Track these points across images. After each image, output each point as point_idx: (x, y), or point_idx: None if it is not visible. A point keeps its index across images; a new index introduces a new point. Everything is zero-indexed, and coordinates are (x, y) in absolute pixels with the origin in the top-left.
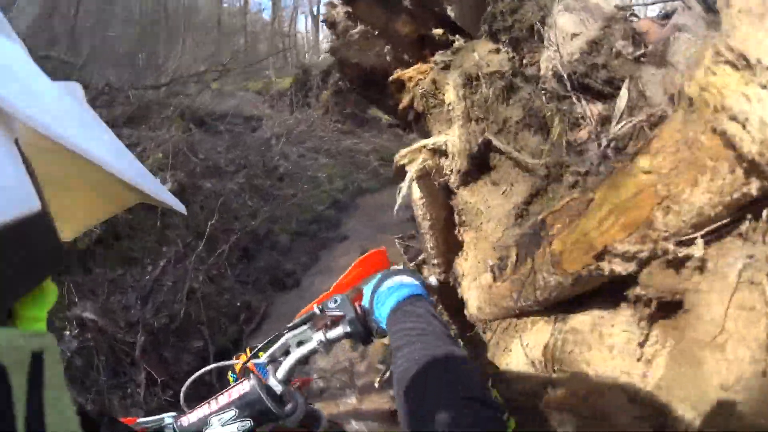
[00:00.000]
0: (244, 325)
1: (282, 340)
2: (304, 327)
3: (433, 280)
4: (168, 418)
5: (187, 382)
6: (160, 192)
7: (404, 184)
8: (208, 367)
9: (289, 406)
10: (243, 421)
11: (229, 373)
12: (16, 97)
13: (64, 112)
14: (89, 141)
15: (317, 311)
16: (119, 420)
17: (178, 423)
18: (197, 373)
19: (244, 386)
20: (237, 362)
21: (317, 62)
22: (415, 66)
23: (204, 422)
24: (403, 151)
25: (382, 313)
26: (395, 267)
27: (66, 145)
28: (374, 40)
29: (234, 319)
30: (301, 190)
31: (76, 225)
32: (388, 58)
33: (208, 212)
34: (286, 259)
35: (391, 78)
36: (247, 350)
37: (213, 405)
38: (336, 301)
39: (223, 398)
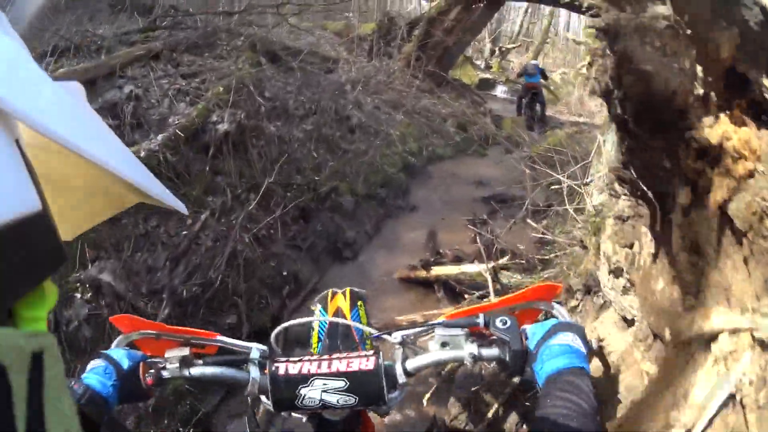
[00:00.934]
0: (288, 299)
1: (430, 330)
2: (460, 331)
3: (594, 343)
4: (255, 350)
5: (277, 329)
6: (161, 192)
7: None
8: (300, 320)
9: (395, 394)
10: (349, 396)
11: (318, 306)
12: (16, 97)
13: (64, 111)
14: (89, 141)
15: (482, 323)
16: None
17: (274, 366)
18: (288, 323)
19: (369, 363)
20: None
21: (404, 12)
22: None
23: (306, 380)
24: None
25: (545, 368)
26: (566, 320)
27: (66, 145)
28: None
29: (277, 292)
30: (372, 147)
31: (77, 225)
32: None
33: (266, 162)
34: (349, 225)
35: (690, 133)
36: (346, 291)
37: (323, 366)
38: (506, 323)
39: (339, 364)
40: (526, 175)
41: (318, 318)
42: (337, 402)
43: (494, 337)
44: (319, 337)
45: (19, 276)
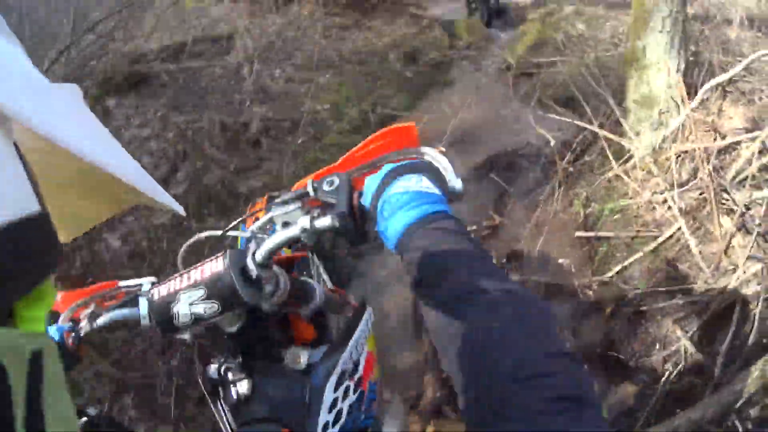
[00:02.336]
0: None
1: (268, 215)
2: (295, 205)
3: (459, 184)
4: (146, 284)
5: (184, 246)
6: (159, 193)
7: None
8: (208, 233)
9: (268, 288)
10: (211, 303)
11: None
12: (15, 99)
13: (62, 113)
14: (87, 142)
15: (311, 190)
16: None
17: (150, 294)
18: (197, 236)
19: (218, 264)
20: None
21: None
22: None
23: (173, 298)
24: None
25: (389, 228)
26: (415, 149)
27: (64, 146)
28: None
29: None
30: (288, 157)
31: (75, 226)
32: None
33: None
34: None
35: None
36: (263, 199)
37: (184, 280)
38: (333, 183)
39: (195, 273)
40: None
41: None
42: (204, 312)
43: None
44: None
45: (18, 276)
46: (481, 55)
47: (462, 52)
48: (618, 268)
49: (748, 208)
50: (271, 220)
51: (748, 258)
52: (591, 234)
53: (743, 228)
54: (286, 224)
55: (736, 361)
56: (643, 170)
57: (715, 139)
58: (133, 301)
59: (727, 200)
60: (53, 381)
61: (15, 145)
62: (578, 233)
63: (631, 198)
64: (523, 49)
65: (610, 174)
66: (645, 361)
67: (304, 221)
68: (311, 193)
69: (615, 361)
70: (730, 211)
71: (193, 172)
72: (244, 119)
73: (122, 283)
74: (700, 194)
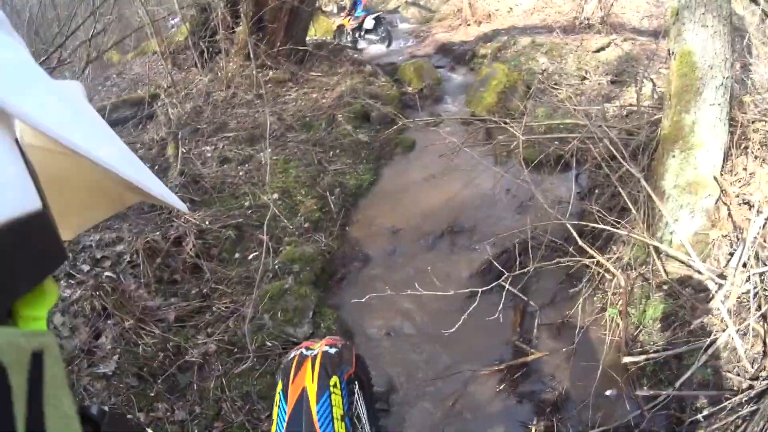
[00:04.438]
0: None
1: None
2: None
3: None
4: None
5: None
6: (162, 190)
7: None
8: None
9: None
10: None
11: (279, 383)
12: (17, 97)
13: (64, 111)
14: (89, 140)
15: None
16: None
17: None
18: None
19: None
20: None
21: None
22: None
23: None
24: None
25: None
26: None
27: (66, 144)
28: None
29: None
30: (241, 289)
31: (77, 224)
32: None
33: None
34: None
35: None
36: (316, 359)
37: None
38: None
39: None
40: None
41: None
42: None
43: None
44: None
45: (19, 275)
46: (437, 104)
47: (416, 102)
48: (670, 394)
49: None
50: None
51: None
52: (641, 358)
53: None
54: None
55: None
56: (683, 264)
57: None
58: None
59: None
60: (54, 380)
61: (17, 142)
62: (626, 359)
63: (674, 300)
64: (492, 98)
65: (645, 269)
66: None
67: None
68: None
69: None
70: None
71: (121, 337)
72: (174, 237)
73: None
74: (746, 290)
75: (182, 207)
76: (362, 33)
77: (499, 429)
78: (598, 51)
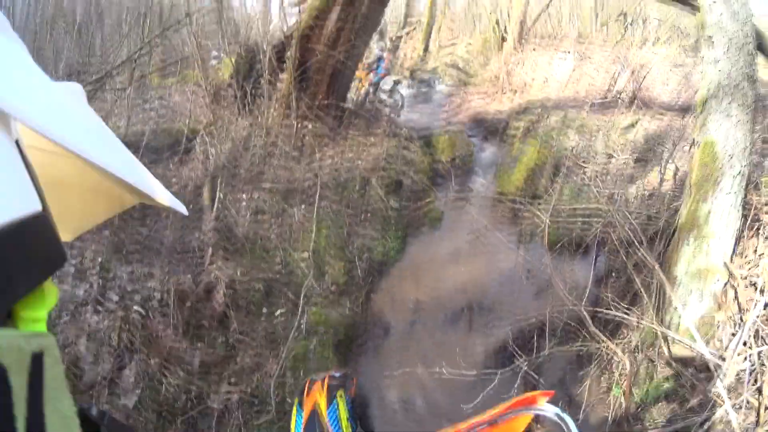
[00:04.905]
0: None
1: None
2: None
3: None
4: None
5: None
6: (161, 192)
7: None
8: None
9: None
10: None
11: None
12: (17, 98)
13: (64, 112)
14: (89, 141)
15: None
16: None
17: None
18: None
19: None
20: None
21: (270, 34)
22: None
23: None
24: None
25: None
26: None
27: (66, 145)
28: None
29: None
30: (265, 345)
31: (76, 225)
32: None
33: None
34: None
35: None
36: (324, 381)
37: None
38: None
39: None
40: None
41: None
42: None
43: None
44: None
45: (19, 276)
46: (468, 177)
47: (447, 173)
48: None
49: None
50: None
51: None
52: None
53: None
54: None
55: None
56: (687, 347)
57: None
58: None
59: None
60: (54, 381)
61: (17, 143)
62: None
63: (676, 380)
64: (521, 176)
65: (651, 352)
66: None
67: None
68: None
69: None
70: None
71: (145, 373)
72: (205, 283)
73: None
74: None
75: (182, 209)
76: (378, 91)
77: None
78: (627, 128)
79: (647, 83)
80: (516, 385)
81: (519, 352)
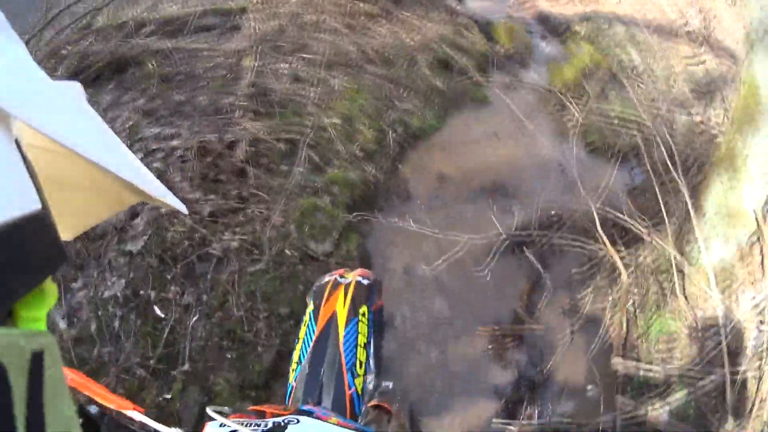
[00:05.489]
0: None
1: None
2: None
3: None
4: None
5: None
6: (161, 191)
7: None
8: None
9: None
10: None
11: (310, 305)
12: (16, 97)
13: (63, 111)
14: (89, 140)
15: None
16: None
17: None
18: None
19: None
20: None
21: None
22: None
23: None
24: None
25: None
26: None
27: (66, 144)
28: None
29: None
30: (278, 201)
31: (76, 224)
32: None
33: None
34: None
35: None
36: (350, 286)
37: None
38: None
39: None
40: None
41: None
42: None
43: None
44: (301, 354)
45: (19, 276)
46: (521, 68)
47: (502, 63)
48: (654, 410)
49: None
50: None
51: None
52: (630, 365)
53: None
54: None
55: None
56: (701, 289)
57: None
58: None
59: None
60: (54, 381)
61: (16, 142)
62: (615, 360)
63: (682, 320)
64: (571, 76)
65: (663, 280)
66: None
67: None
68: None
69: None
70: None
71: (155, 220)
72: (229, 140)
73: (142, 418)
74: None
75: (182, 208)
76: None
77: (474, 388)
78: (690, 58)
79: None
80: (518, 273)
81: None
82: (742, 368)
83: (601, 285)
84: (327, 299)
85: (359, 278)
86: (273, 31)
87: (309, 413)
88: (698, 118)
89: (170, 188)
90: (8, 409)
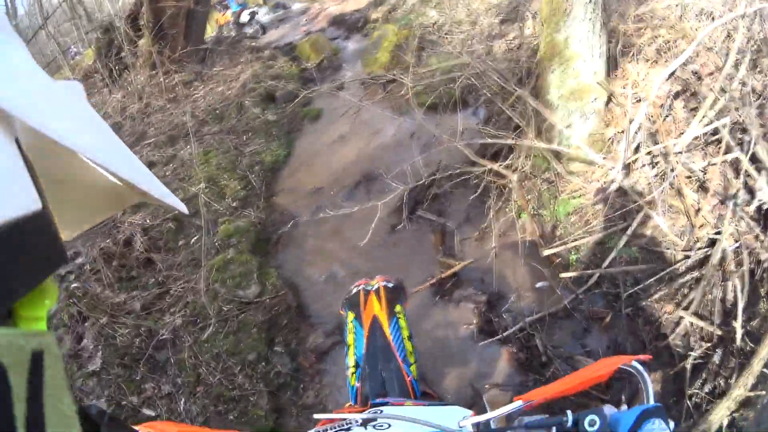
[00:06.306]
0: None
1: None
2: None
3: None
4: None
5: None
6: (162, 191)
7: None
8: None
9: None
10: None
11: (350, 315)
12: (17, 97)
13: (64, 111)
14: (89, 139)
15: (570, 424)
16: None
17: None
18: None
19: None
20: None
21: (119, 9)
22: None
23: None
24: None
25: None
26: (650, 405)
27: (66, 144)
28: None
29: None
30: (187, 264)
31: (77, 225)
32: None
33: None
34: None
35: None
36: (380, 291)
37: None
38: (594, 424)
39: None
40: None
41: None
42: None
43: None
44: (356, 360)
45: (19, 276)
46: (337, 72)
47: (316, 75)
48: (598, 273)
49: (704, 173)
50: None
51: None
52: (561, 248)
53: (705, 193)
54: None
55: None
56: (583, 163)
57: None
58: None
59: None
60: (54, 381)
61: (17, 141)
62: (546, 251)
63: (582, 195)
64: (385, 57)
65: (548, 175)
66: (661, 351)
67: None
68: (570, 425)
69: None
70: (687, 180)
71: (99, 334)
72: (123, 238)
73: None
74: (656, 174)
75: (182, 208)
76: (238, 27)
77: (441, 332)
78: None
79: None
80: (424, 231)
81: (416, 202)
82: (647, 198)
83: (498, 206)
84: (365, 306)
85: (384, 282)
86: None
87: (384, 404)
88: (512, 36)
89: (97, 300)
90: (8, 409)
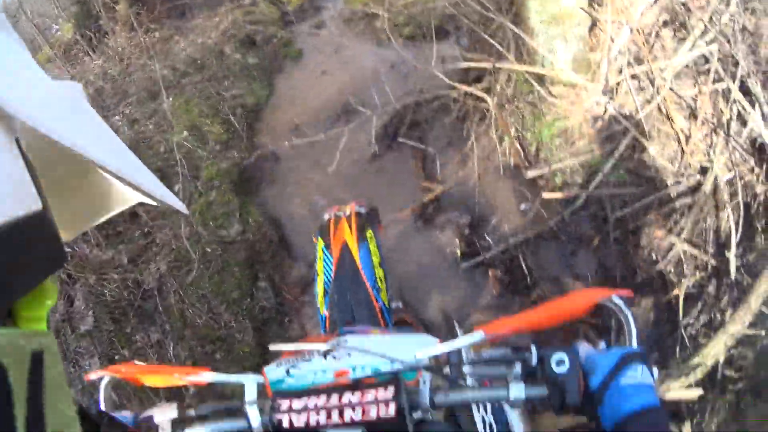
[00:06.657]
0: None
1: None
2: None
3: (656, 372)
4: (252, 385)
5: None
6: (161, 191)
7: None
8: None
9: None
10: None
11: (320, 242)
12: (17, 97)
13: (64, 111)
14: (89, 140)
15: (534, 361)
16: (119, 420)
17: (276, 418)
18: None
19: (390, 409)
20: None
21: None
22: None
23: None
24: None
25: (614, 412)
26: (631, 349)
27: (66, 144)
28: None
29: None
30: (177, 222)
31: (77, 224)
32: None
33: None
34: None
35: None
36: (351, 218)
37: (335, 415)
38: (562, 362)
39: (353, 413)
40: None
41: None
42: None
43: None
44: (325, 287)
45: (19, 276)
46: (318, 12)
47: (297, 15)
48: (584, 194)
49: (695, 101)
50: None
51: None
52: (545, 171)
53: (696, 119)
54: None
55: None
56: (567, 86)
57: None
58: (235, 410)
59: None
60: (54, 381)
61: (17, 142)
62: (530, 173)
63: (566, 117)
64: None
65: (531, 98)
66: (651, 277)
67: (516, 389)
68: (534, 363)
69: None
70: (677, 106)
71: (89, 293)
72: None
73: (210, 375)
74: (644, 99)
75: (182, 208)
76: None
77: (424, 258)
78: None
79: None
80: (407, 158)
81: (397, 129)
82: (636, 118)
83: (480, 130)
84: (335, 232)
85: (357, 208)
86: (93, 97)
87: (351, 332)
88: None
89: (86, 260)
90: (8, 409)
